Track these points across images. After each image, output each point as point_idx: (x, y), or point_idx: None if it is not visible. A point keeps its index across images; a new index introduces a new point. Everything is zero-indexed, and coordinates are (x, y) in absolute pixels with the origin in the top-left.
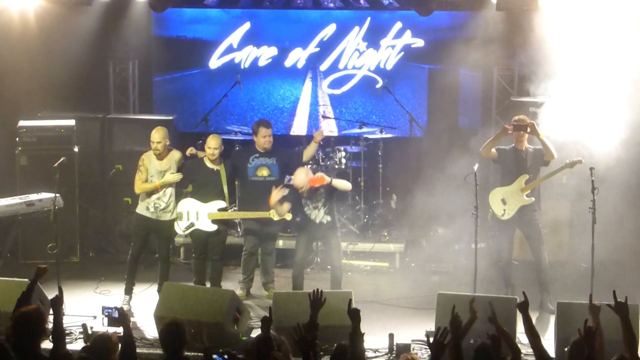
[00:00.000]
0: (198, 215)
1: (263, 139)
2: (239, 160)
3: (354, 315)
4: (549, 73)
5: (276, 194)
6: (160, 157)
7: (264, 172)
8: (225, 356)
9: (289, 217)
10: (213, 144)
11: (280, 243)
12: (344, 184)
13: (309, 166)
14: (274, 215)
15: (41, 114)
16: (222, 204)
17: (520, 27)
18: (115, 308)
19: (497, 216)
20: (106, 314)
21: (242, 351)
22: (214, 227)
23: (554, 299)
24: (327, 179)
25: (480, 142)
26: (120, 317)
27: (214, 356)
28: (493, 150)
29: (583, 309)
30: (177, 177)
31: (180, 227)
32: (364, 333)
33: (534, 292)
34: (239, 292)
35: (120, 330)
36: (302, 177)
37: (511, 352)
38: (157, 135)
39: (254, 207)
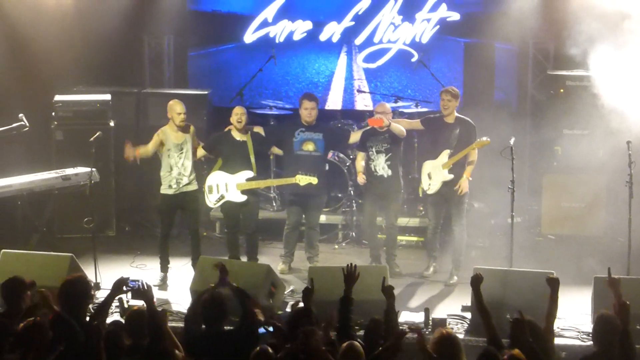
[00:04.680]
0: (227, 186)
1: (304, 111)
2: (284, 134)
3: (388, 292)
4: (585, 46)
5: None
6: (182, 129)
7: (309, 147)
8: (270, 328)
9: (314, 180)
10: (239, 110)
11: (324, 218)
12: (399, 129)
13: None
14: (300, 180)
15: (77, 88)
16: (250, 173)
17: (557, 0)
18: (139, 281)
19: (424, 190)
20: (130, 286)
21: (285, 323)
22: (244, 198)
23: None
24: (386, 121)
25: (517, 117)
26: (143, 292)
27: (261, 329)
28: (417, 121)
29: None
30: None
31: (210, 201)
32: (398, 310)
33: (570, 266)
34: (280, 266)
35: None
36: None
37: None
38: (181, 107)
39: None
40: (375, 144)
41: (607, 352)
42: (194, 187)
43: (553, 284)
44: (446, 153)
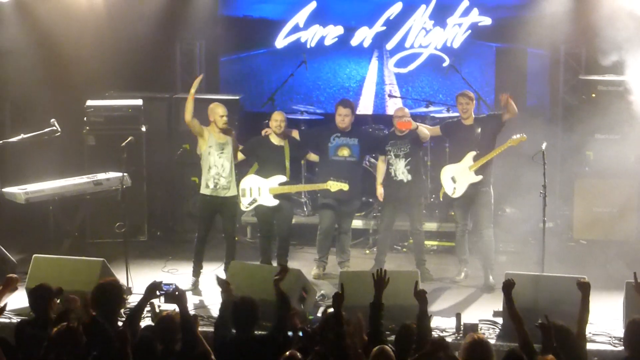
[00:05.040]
0: (260, 190)
1: (338, 117)
2: (320, 138)
3: (421, 297)
4: (617, 51)
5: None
6: (225, 131)
7: (344, 152)
8: (300, 333)
9: (345, 187)
10: (278, 117)
11: (355, 223)
12: (424, 133)
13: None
14: (331, 186)
15: (108, 93)
16: (283, 178)
17: (588, 5)
18: (173, 286)
19: (448, 194)
20: (164, 290)
21: (315, 328)
22: (276, 202)
23: (616, 279)
24: (414, 124)
25: (549, 122)
26: (177, 296)
27: (290, 333)
28: (437, 127)
29: None
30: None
31: (243, 204)
32: (431, 315)
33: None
34: (314, 270)
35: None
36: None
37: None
38: (223, 109)
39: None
40: (394, 149)
41: (638, 357)
42: (233, 192)
43: (584, 289)
44: (471, 155)
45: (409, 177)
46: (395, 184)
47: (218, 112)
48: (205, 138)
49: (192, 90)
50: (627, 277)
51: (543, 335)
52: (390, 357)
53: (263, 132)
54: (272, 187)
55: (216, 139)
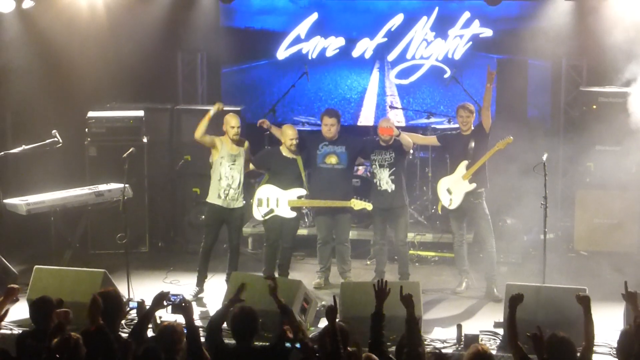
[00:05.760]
0: (278, 202)
1: (324, 127)
2: (309, 146)
3: (408, 302)
4: (619, 63)
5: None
6: (237, 142)
7: (332, 160)
8: (297, 345)
9: (369, 206)
10: (291, 134)
11: (355, 234)
12: (407, 140)
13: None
14: (354, 204)
15: (110, 104)
16: (303, 191)
17: (589, 17)
18: (181, 297)
19: (445, 207)
20: (171, 301)
21: (314, 341)
22: (293, 214)
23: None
24: (396, 130)
25: (550, 133)
26: (183, 307)
27: (287, 344)
28: (434, 137)
29: None
30: (220, 105)
31: (260, 213)
32: (418, 317)
33: (603, 282)
34: (316, 281)
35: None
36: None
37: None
38: (236, 120)
39: (322, 194)
40: (379, 158)
41: None
42: (240, 203)
43: (584, 302)
44: (464, 164)
45: (393, 187)
46: (379, 194)
47: (230, 123)
48: (217, 148)
49: (210, 113)
50: (631, 288)
51: (535, 346)
52: None
53: (259, 123)
54: (291, 199)
55: (228, 150)
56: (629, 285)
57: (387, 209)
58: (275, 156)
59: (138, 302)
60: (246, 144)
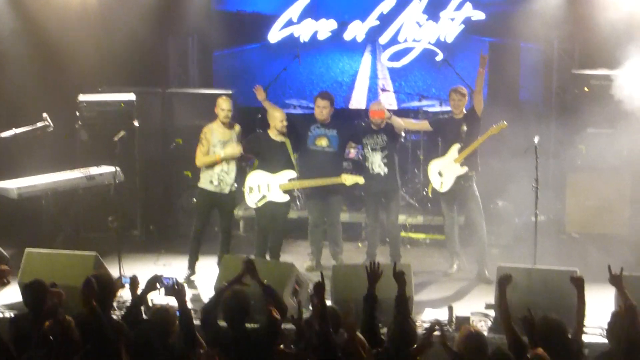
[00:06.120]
0: (269, 187)
1: (317, 109)
2: (301, 128)
3: (400, 279)
4: (611, 46)
5: None
6: (227, 126)
7: (323, 142)
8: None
9: (361, 180)
10: (280, 116)
11: (347, 217)
12: (399, 123)
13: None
14: (346, 179)
15: (101, 88)
16: (293, 173)
17: (581, 0)
18: (174, 280)
19: (436, 189)
20: (164, 284)
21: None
22: (287, 198)
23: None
24: (387, 113)
25: (541, 116)
26: (176, 290)
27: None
28: (426, 122)
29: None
30: (238, 150)
31: (252, 200)
32: (409, 297)
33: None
34: (307, 263)
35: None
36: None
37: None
38: (227, 103)
39: (311, 177)
40: (371, 142)
41: (620, 348)
42: (233, 188)
43: (578, 284)
44: (456, 148)
45: (386, 170)
46: (372, 178)
47: (220, 106)
48: (208, 139)
49: (220, 157)
50: (617, 270)
51: (526, 328)
52: (362, 343)
53: (255, 88)
54: (282, 183)
55: (219, 137)
56: (620, 268)
57: (379, 192)
58: (264, 140)
59: (131, 278)
60: (237, 127)
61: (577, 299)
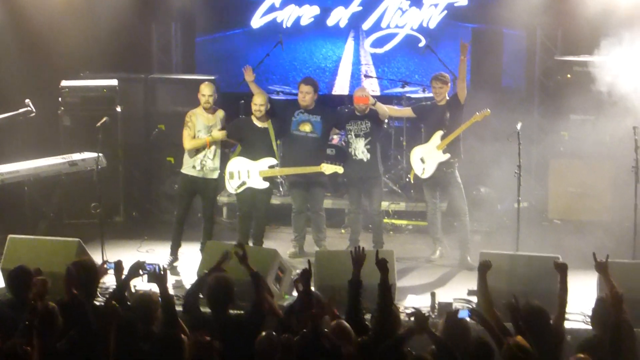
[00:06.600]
0: (249, 173)
1: (300, 95)
2: (285, 113)
3: (382, 266)
4: (593, 32)
5: None
6: (209, 111)
7: (306, 128)
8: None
9: (340, 170)
10: (259, 100)
11: (330, 203)
12: (383, 109)
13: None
14: (325, 169)
15: (84, 74)
16: (273, 161)
17: None
18: (156, 265)
19: (418, 176)
20: (147, 269)
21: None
22: (266, 185)
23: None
24: (372, 100)
25: (524, 102)
26: (158, 276)
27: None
28: (409, 109)
29: (625, 269)
30: (223, 134)
31: (232, 186)
32: (392, 284)
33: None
34: (291, 250)
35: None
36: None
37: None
38: (208, 89)
39: (294, 162)
40: (355, 128)
41: (604, 334)
42: (216, 174)
43: (561, 269)
44: (439, 134)
45: (368, 156)
46: (355, 164)
47: (201, 91)
48: (194, 123)
49: (210, 140)
50: (601, 257)
51: (511, 315)
52: (348, 331)
53: (244, 68)
54: (262, 169)
55: (203, 121)
56: (602, 254)
57: (362, 178)
58: (247, 125)
59: (115, 263)
60: (222, 112)
61: (560, 284)
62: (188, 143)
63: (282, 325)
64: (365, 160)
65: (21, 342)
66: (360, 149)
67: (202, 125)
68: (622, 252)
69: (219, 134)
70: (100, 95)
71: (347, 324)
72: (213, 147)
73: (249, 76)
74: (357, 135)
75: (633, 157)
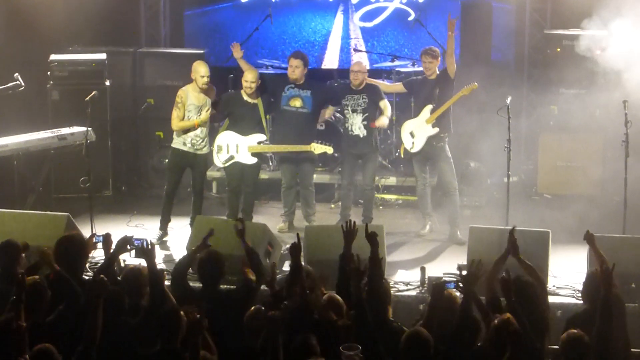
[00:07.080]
0: (238, 148)
1: (289, 69)
2: (275, 88)
3: (372, 240)
4: (582, 5)
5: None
6: (205, 91)
7: (296, 103)
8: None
9: (329, 150)
10: (250, 77)
11: (320, 178)
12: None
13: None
14: (315, 148)
15: (72, 48)
16: (262, 137)
17: None
18: (144, 240)
19: (407, 150)
20: (135, 245)
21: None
22: (254, 160)
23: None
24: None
25: (514, 76)
26: (146, 251)
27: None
28: (399, 84)
29: (615, 243)
30: (208, 115)
31: (220, 160)
32: (382, 257)
33: (566, 225)
34: (280, 225)
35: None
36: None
37: (537, 283)
38: (205, 69)
39: (285, 138)
40: (351, 103)
41: (595, 309)
42: (206, 150)
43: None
44: (428, 108)
45: (365, 132)
46: (351, 139)
47: (199, 72)
48: (184, 103)
49: (197, 123)
50: (593, 231)
51: (503, 289)
52: (339, 303)
53: (232, 45)
54: (251, 145)
55: (194, 101)
56: (591, 228)
57: (358, 154)
58: (236, 100)
59: (104, 236)
60: (213, 91)
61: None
62: (176, 124)
63: (275, 299)
64: (361, 135)
65: (14, 317)
66: (357, 125)
67: (191, 104)
68: (612, 226)
69: (205, 117)
70: (89, 69)
71: (338, 297)
72: (204, 127)
73: (237, 53)
74: (354, 110)
75: (623, 131)
